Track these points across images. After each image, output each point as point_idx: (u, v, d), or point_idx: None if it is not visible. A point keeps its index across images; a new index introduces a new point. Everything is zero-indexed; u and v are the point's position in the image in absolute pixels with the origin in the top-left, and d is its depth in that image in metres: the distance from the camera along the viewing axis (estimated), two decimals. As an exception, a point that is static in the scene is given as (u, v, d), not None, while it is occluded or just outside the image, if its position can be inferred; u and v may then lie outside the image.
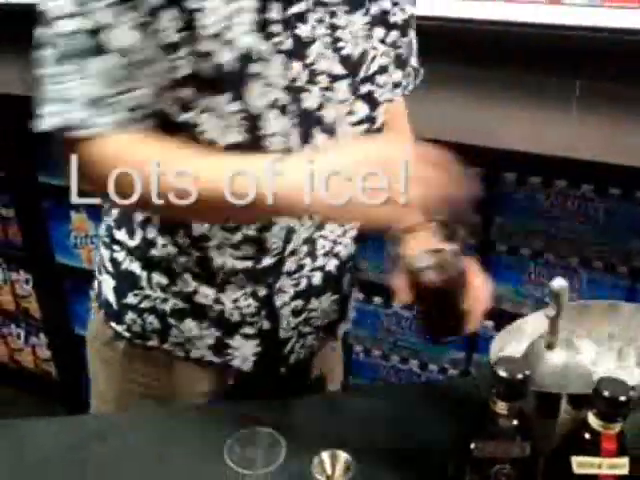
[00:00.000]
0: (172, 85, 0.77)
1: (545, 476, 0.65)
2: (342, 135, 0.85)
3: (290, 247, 0.91)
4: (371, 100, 0.87)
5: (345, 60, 0.82)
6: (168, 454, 0.84)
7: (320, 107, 0.82)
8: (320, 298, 1.00)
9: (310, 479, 0.74)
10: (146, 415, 0.97)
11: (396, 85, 0.93)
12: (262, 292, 0.94)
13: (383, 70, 0.87)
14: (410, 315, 1.47)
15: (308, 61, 0.79)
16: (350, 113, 0.85)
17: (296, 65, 0.78)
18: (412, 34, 0.94)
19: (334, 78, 0.81)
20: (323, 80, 0.81)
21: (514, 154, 1.28)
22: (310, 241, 0.93)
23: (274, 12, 0.75)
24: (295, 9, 0.76)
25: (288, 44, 0.77)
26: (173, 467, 0.82)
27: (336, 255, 0.98)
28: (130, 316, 0.97)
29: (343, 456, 0.75)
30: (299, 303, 0.98)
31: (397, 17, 0.87)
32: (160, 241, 0.91)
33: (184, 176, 0.72)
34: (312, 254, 0.94)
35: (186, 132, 0.80)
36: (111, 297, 0.98)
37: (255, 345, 0.99)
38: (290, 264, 0.93)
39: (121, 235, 0.95)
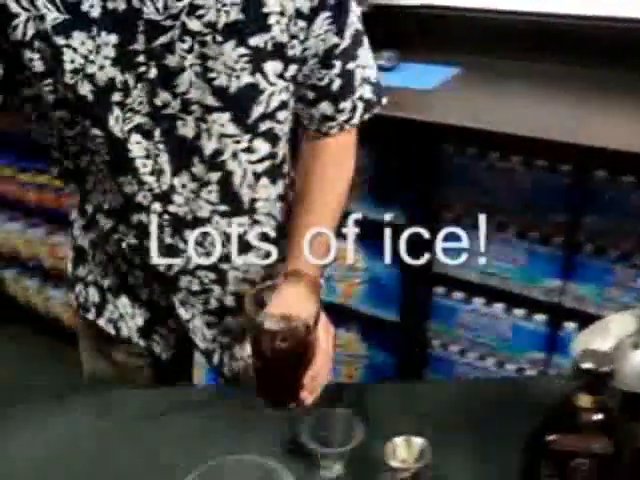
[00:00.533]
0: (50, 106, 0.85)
1: (624, 475, 0.64)
2: (240, 171, 0.88)
3: (176, 268, 0.95)
4: (272, 137, 0.88)
5: (219, 92, 0.81)
6: (245, 431, 0.86)
7: (197, 137, 0.84)
8: (236, 317, 1.02)
9: (384, 463, 0.75)
10: (226, 390, 1.00)
11: (327, 118, 0.90)
12: (166, 296, 1.00)
13: (284, 105, 0.86)
14: (488, 311, 1.46)
15: (178, 90, 0.81)
16: (249, 150, 0.87)
17: (163, 94, 0.81)
18: (349, 65, 0.88)
19: (207, 109, 0.82)
20: (197, 110, 0.82)
21: (606, 151, 1.24)
22: (215, 270, 0.97)
23: (139, 44, 0.79)
24: (160, 40, 0.78)
25: (153, 73, 0.80)
26: (252, 442, 0.85)
27: (251, 282, 0.99)
28: (79, 287, 1.07)
29: (417, 442, 0.75)
30: (211, 319, 1.02)
31: (295, 50, 0.83)
32: (99, 224, 0.98)
33: None
34: (221, 282, 0.98)
35: (78, 146, 0.89)
36: (70, 268, 1.09)
37: (175, 339, 1.05)
38: (187, 283, 0.97)
39: (76, 214, 1.04)
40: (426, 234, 1.27)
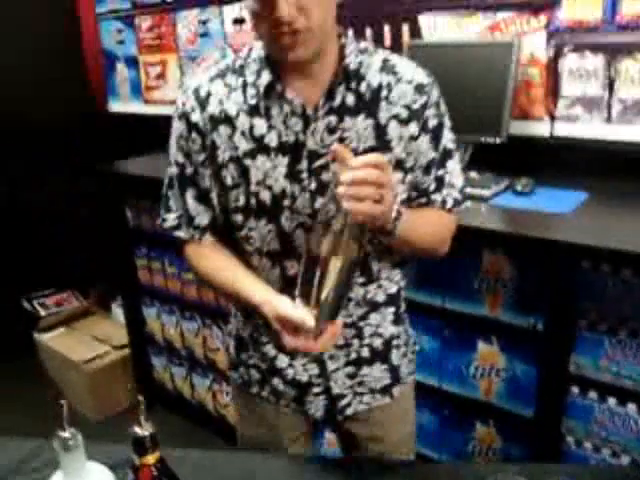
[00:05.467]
0: (229, 211, 1.20)
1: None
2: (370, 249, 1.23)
3: None
4: None
5: None
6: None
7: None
8: (371, 367, 1.33)
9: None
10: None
11: (424, 205, 1.23)
12: (320, 358, 1.29)
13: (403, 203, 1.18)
14: (621, 411, 1.60)
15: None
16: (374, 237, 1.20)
17: (320, 199, 1.13)
18: (439, 172, 1.21)
19: None
20: None
21: None
22: (355, 327, 1.28)
23: (302, 165, 1.13)
24: (318, 163, 1.13)
25: (313, 186, 1.14)
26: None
27: (380, 335, 1.32)
28: (242, 368, 1.39)
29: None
30: (351, 370, 1.32)
31: (409, 163, 1.18)
32: (247, 321, 1.34)
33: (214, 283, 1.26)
34: (359, 336, 1.30)
35: (242, 243, 1.24)
36: (233, 353, 1.41)
37: (324, 400, 1.34)
38: (339, 340, 1.26)
39: (235, 310, 1.39)
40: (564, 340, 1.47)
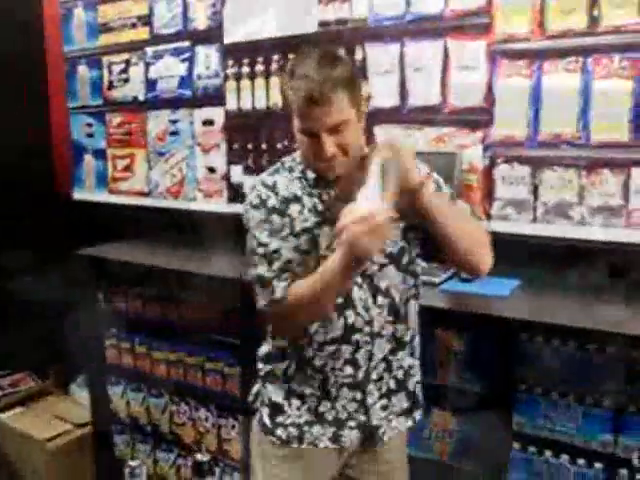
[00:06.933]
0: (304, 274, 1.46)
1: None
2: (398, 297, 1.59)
3: (372, 364, 1.54)
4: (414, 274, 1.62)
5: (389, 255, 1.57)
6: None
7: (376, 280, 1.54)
8: (397, 396, 1.60)
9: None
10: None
11: None
12: (359, 396, 1.56)
13: None
14: (556, 462, 1.88)
15: (375, 259, 1.51)
16: (404, 282, 1.58)
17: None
18: None
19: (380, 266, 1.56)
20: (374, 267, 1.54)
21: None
22: (386, 360, 1.57)
23: None
24: None
25: None
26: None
27: (402, 367, 1.61)
28: (279, 430, 1.59)
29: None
30: (384, 402, 1.59)
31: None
32: (297, 375, 1.56)
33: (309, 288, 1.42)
34: (389, 370, 1.58)
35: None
36: (267, 420, 1.61)
37: (357, 433, 1.59)
38: (374, 375, 1.55)
39: (269, 379, 1.63)
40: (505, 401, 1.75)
